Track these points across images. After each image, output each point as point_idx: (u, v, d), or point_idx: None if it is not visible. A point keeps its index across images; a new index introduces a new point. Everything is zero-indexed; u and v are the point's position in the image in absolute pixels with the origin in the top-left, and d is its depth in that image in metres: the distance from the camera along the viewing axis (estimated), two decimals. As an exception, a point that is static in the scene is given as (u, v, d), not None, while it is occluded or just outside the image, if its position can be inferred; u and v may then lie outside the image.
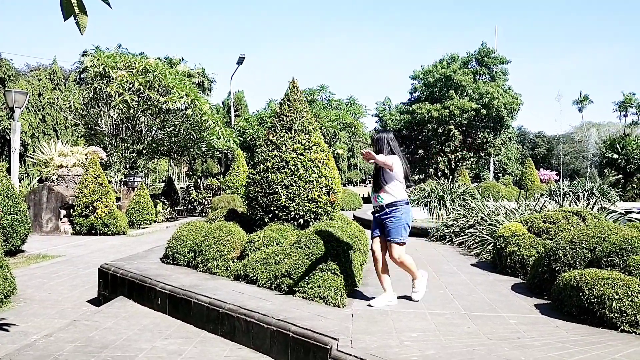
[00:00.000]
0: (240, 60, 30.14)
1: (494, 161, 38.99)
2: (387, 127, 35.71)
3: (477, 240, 8.46)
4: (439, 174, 37.28)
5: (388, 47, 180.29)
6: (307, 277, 5.01)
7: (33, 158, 17.96)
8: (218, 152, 23.39)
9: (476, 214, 9.60)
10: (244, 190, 9.50)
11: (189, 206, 21.01)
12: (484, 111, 32.71)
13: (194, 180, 23.58)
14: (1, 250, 6.62)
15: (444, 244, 9.54)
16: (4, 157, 25.04)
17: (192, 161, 22.95)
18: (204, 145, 19.63)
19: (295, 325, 4.07)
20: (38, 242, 11.67)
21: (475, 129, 35.22)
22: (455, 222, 9.81)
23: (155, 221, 16.24)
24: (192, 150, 20.21)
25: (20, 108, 14.57)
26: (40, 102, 27.32)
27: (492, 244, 7.36)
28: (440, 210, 13.91)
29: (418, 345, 3.68)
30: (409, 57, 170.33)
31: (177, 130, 18.11)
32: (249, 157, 23.72)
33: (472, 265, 7.27)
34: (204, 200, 20.30)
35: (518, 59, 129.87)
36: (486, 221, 8.96)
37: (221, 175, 25.90)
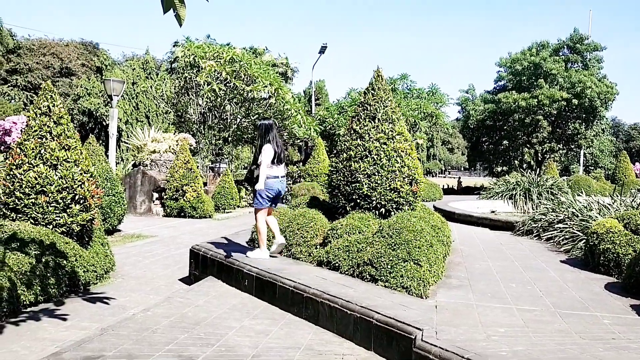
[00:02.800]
0: (322, 50, 30.24)
1: (584, 154, 36.80)
2: (469, 117, 34.52)
3: (567, 236, 8.08)
4: (525, 166, 35.69)
5: (473, 33, 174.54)
6: (389, 267, 5.02)
7: (128, 143, 19.12)
8: (299, 141, 23.76)
9: (566, 209, 9.15)
10: (323, 178, 9.64)
11: (270, 193, 21.50)
12: (575, 101, 30.93)
13: (275, 167, 24.10)
14: (102, 229, 7.16)
15: (531, 238, 9.19)
16: (101, 141, 26.81)
17: (274, 149, 23.43)
18: (285, 134, 20.03)
19: (379, 313, 4.10)
20: (132, 223, 12.46)
21: (565, 119, 33.46)
22: (543, 217, 9.41)
23: (238, 206, 16.83)
24: (274, 138, 20.65)
25: (118, 96, 15.50)
26: (134, 90, 28.97)
27: (584, 240, 7.01)
28: (525, 204, 13.40)
29: (506, 340, 3.60)
30: (494, 44, 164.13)
31: (260, 118, 18.59)
32: (328, 146, 23.88)
33: (561, 261, 6.97)
34: (284, 187, 20.71)
35: (613, 45, 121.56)
36: (577, 216, 8.53)
37: (301, 163, 26.30)
